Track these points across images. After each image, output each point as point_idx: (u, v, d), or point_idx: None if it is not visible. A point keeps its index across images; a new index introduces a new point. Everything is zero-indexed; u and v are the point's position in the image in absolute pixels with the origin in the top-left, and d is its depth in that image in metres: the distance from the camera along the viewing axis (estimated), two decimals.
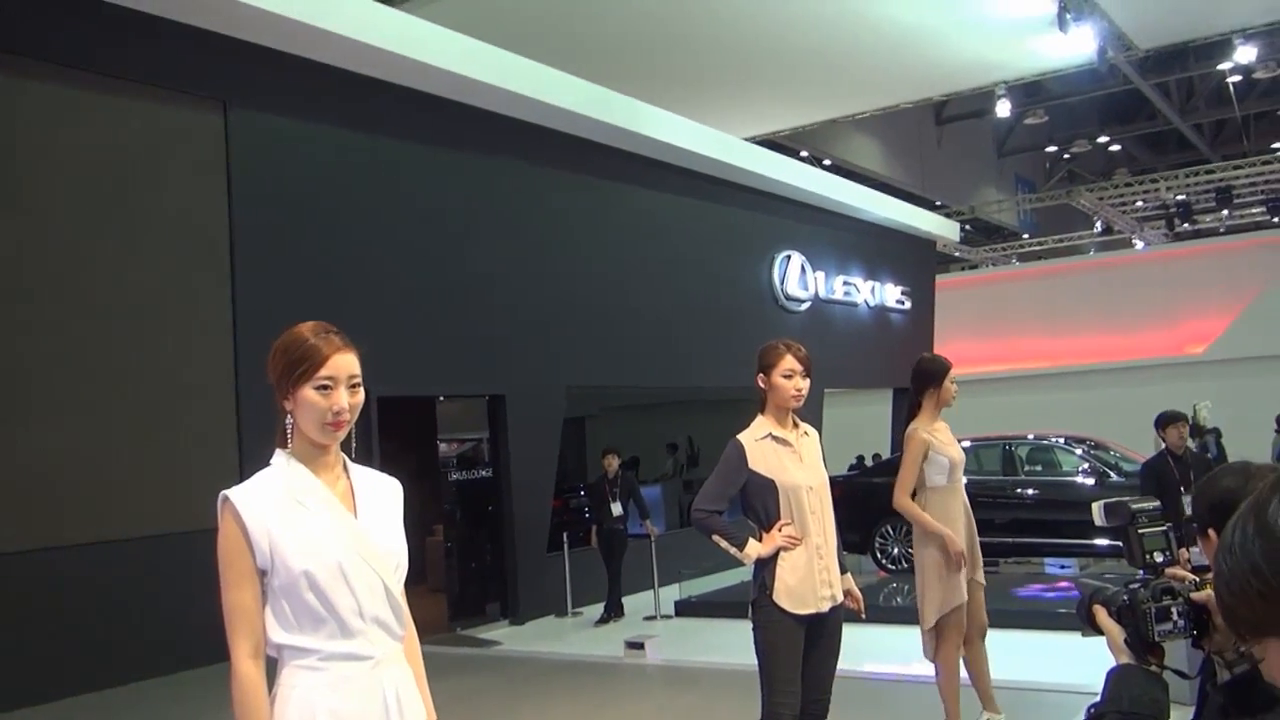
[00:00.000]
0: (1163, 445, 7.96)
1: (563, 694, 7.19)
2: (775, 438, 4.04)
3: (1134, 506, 2.00)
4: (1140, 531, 1.97)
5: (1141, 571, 1.96)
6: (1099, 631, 1.92)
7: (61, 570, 7.59)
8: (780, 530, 3.93)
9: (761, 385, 4.10)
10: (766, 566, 3.93)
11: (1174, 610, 1.81)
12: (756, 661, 3.97)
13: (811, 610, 3.92)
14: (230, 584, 2.16)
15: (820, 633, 3.98)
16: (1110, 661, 1.87)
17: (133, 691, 7.61)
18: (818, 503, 4.04)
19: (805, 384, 4.07)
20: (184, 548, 7.84)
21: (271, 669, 2.21)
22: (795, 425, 4.12)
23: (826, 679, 4.05)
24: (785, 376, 4.04)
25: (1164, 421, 8.02)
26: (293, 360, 2.22)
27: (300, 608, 2.16)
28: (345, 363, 2.25)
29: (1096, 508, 2.09)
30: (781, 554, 3.91)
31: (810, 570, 3.94)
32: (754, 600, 3.98)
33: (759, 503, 4.00)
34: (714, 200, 13.76)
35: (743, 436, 4.06)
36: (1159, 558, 1.95)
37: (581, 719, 6.51)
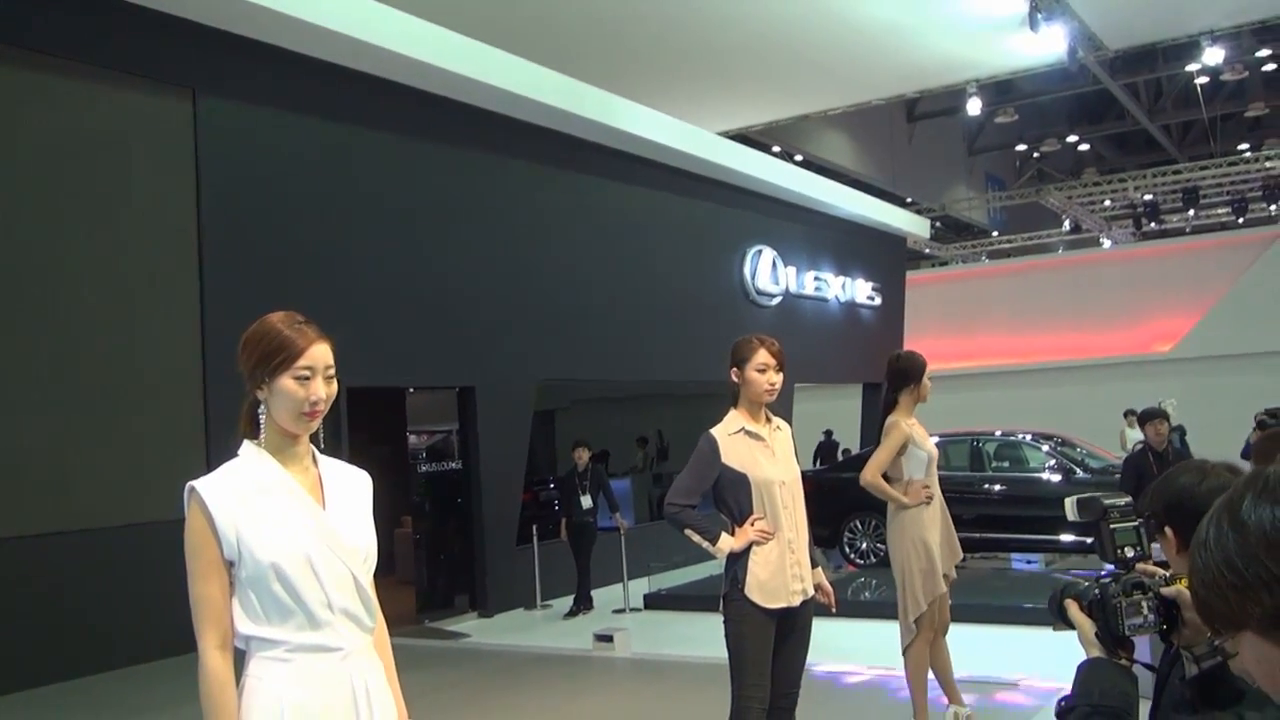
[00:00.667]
0: (1136, 442, 8.05)
1: (532, 686, 7.18)
2: (748, 432, 4.04)
3: (1106, 502, 2.02)
4: (1112, 527, 1.99)
5: (1112, 566, 1.98)
6: (1070, 626, 1.94)
7: (25, 560, 7.50)
8: (753, 525, 3.94)
9: (735, 379, 4.10)
10: (738, 560, 3.93)
11: (1144, 605, 1.83)
12: (727, 655, 3.98)
13: (783, 604, 3.93)
14: (197, 575, 2.14)
15: (791, 627, 3.99)
16: (1080, 655, 1.89)
17: (95, 683, 7.54)
18: (790, 497, 4.05)
19: (779, 378, 4.07)
20: (150, 538, 7.78)
21: (239, 660, 2.19)
22: (768, 420, 4.13)
23: (797, 672, 4.06)
24: (759, 370, 4.05)
25: (1144, 419, 8.10)
26: (270, 350, 2.21)
27: (268, 599, 2.14)
28: (322, 353, 2.25)
29: (1069, 503, 2.10)
30: (754, 548, 3.92)
31: (782, 564, 3.95)
32: (725, 594, 3.98)
33: (731, 497, 4.00)
34: (686, 195, 13.76)
35: (715, 431, 4.06)
36: (1130, 553, 1.97)
37: (551, 712, 6.50)
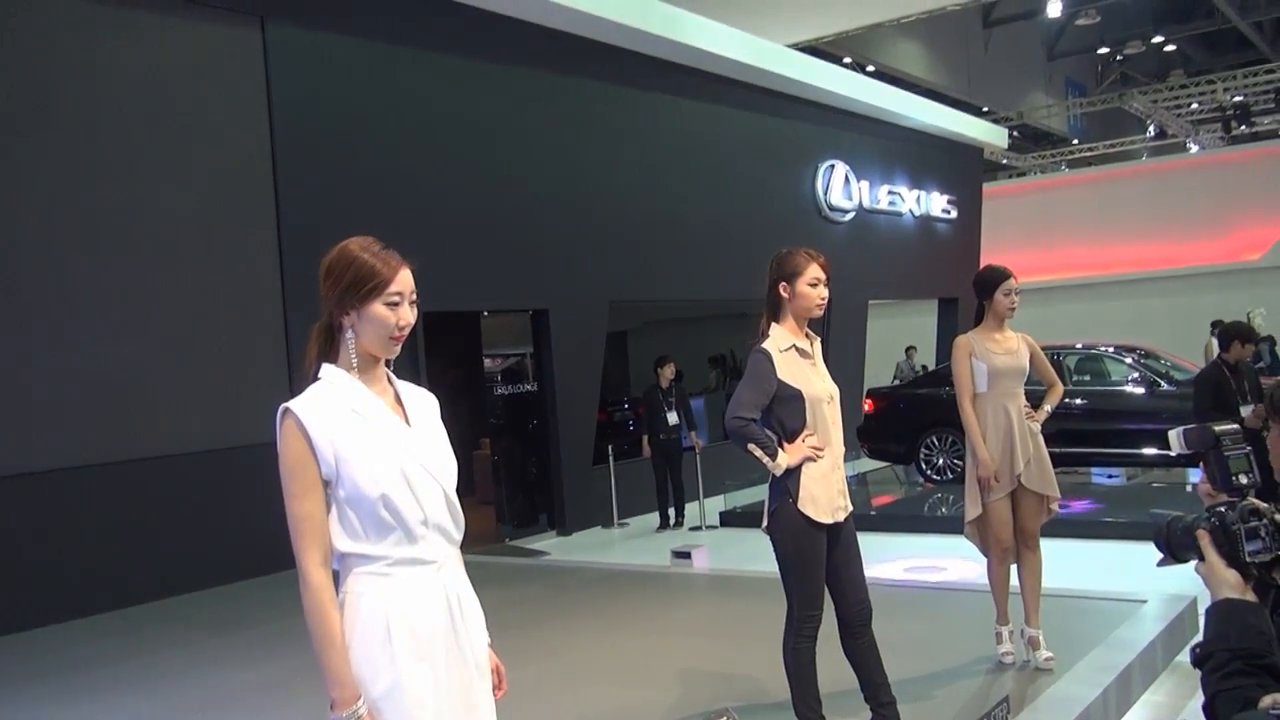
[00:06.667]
0: (1215, 355, 7.80)
1: (612, 601, 7.31)
2: (797, 349, 4.01)
3: (1217, 429, 1.97)
4: (1225, 454, 1.94)
5: (1224, 494, 1.93)
6: (1179, 560, 1.89)
7: (117, 485, 7.77)
8: (805, 441, 3.93)
9: (783, 294, 4.02)
10: (791, 476, 3.91)
11: (1261, 530, 1.79)
12: (780, 570, 4.00)
13: (830, 520, 3.94)
14: (296, 495, 2.18)
15: (837, 541, 4.00)
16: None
17: (182, 602, 7.83)
18: (834, 413, 4.04)
19: (827, 293, 4.03)
20: (234, 462, 8.01)
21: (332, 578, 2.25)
22: (808, 335, 4.09)
23: (860, 582, 4.05)
24: (811, 285, 3.99)
25: (1232, 336, 7.80)
26: (360, 276, 2.25)
27: (368, 517, 2.20)
28: (407, 278, 2.31)
29: (1174, 435, 2.04)
30: (806, 463, 3.91)
31: (831, 480, 3.95)
32: (774, 510, 3.97)
33: (785, 413, 3.97)
34: (756, 110, 13.55)
35: (768, 346, 4.01)
36: (1244, 479, 1.92)
37: (631, 625, 6.62)
